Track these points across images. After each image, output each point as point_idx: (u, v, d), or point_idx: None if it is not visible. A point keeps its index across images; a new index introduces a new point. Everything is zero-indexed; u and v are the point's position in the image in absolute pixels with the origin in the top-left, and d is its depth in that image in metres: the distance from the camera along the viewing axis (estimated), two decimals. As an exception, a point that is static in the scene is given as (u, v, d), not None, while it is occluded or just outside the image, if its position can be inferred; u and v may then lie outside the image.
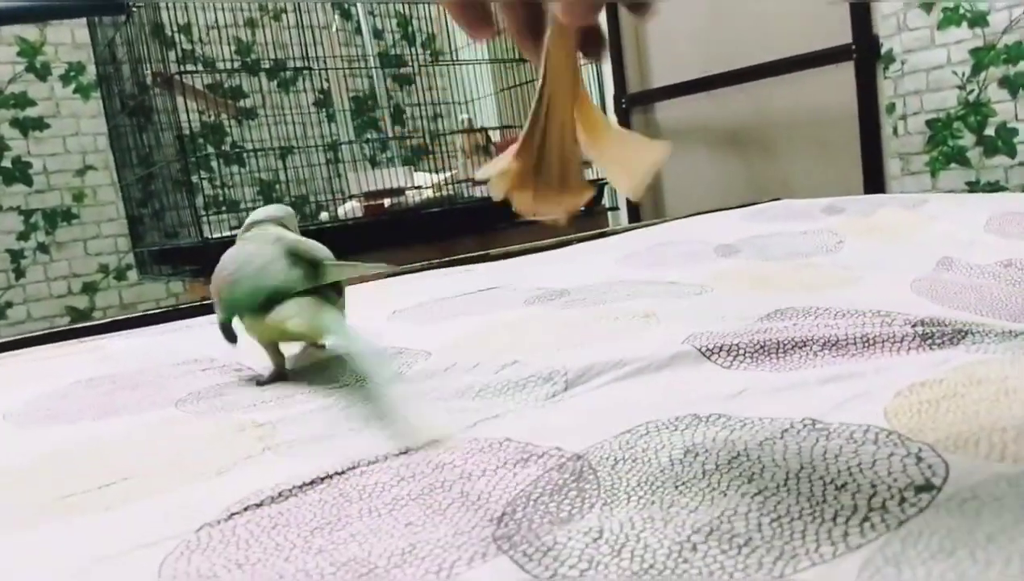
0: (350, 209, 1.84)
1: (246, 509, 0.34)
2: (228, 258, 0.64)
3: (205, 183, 2.31)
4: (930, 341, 0.46)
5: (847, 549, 0.25)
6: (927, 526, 0.26)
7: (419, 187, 1.87)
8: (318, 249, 0.62)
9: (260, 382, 0.59)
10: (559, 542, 0.28)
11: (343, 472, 0.37)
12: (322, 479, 0.37)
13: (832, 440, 0.34)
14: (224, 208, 2.35)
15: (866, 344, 0.47)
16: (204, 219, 1.78)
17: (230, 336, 0.61)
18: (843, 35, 1.88)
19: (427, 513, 0.32)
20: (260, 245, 0.63)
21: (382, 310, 0.81)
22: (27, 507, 0.39)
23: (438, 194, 1.86)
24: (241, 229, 0.69)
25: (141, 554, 0.31)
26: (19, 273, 2.62)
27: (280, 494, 0.35)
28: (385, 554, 0.29)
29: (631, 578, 0.25)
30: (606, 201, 2.14)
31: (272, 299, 0.57)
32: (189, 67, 2.46)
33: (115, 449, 0.46)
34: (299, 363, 0.63)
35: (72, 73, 2.68)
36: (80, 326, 0.91)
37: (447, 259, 1.14)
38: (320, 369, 0.60)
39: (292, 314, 0.56)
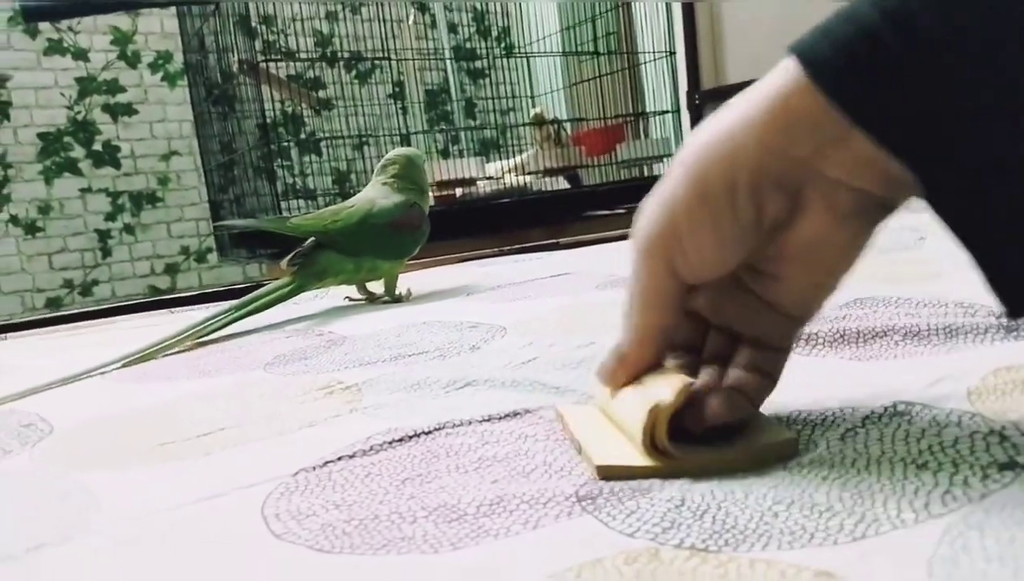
0: (422, 198, 1.87)
1: (339, 459, 0.36)
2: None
3: (283, 171, 2.38)
4: (1015, 332, 0.46)
5: (929, 516, 0.26)
6: (1011, 499, 0.26)
7: (490, 177, 1.89)
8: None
9: (347, 298, 0.86)
10: (641, 507, 0.29)
11: (430, 432, 0.39)
12: (410, 437, 0.38)
13: (914, 424, 0.34)
14: (301, 196, 2.41)
15: (949, 334, 0.47)
16: (283, 206, 1.84)
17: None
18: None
19: (512, 474, 0.33)
20: None
21: (456, 292, 0.82)
22: (126, 451, 0.41)
23: (509, 185, 1.88)
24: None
25: (242, 494, 0.34)
26: (106, 252, 2.75)
27: (371, 448, 0.37)
28: (474, 503, 0.30)
29: (713, 535, 0.26)
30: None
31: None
32: (271, 59, 2.53)
33: (209, 405, 0.49)
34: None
35: (160, 61, 2.79)
36: (168, 298, 0.96)
37: (518, 246, 1.16)
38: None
39: None
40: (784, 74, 0.30)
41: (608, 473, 0.32)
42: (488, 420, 0.40)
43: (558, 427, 0.39)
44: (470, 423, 0.40)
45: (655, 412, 0.32)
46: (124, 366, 0.63)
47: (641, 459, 0.32)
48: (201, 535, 0.30)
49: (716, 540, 0.26)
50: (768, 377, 0.34)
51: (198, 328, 0.69)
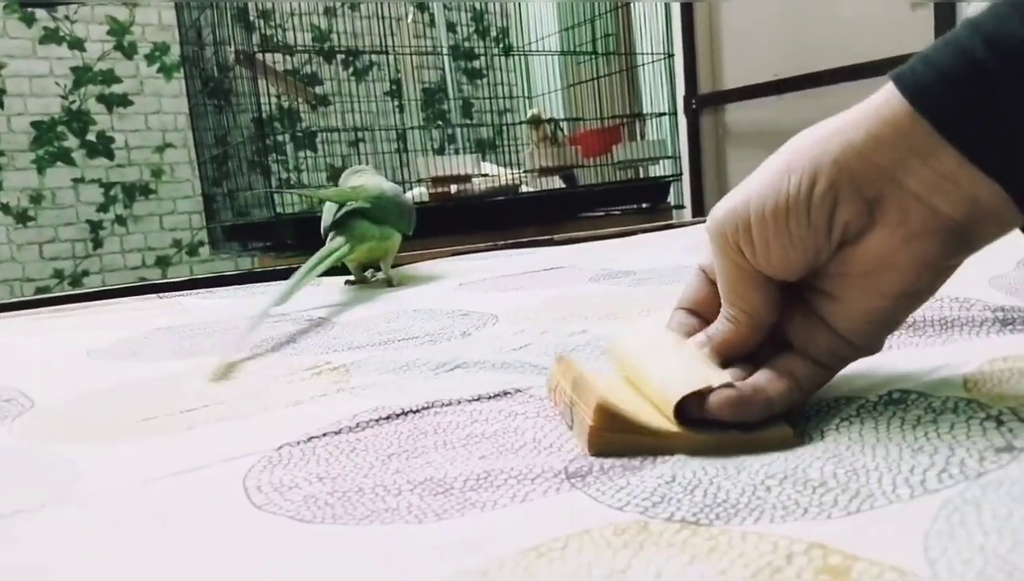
0: (417, 194, 1.87)
1: (324, 435, 0.36)
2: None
3: (278, 166, 2.37)
4: (1011, 326, 0.45)
5: (925, 492, 0.25)
6: (1008, 478, 0.25)
7: (485, 175, 1.88)
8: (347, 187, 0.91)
9: (347, 281, 0.88)
10: (631, 483, 0.29)
11: (418, 411, 0.38)
12: (398, 415, 0.38)
13: (910, 411, 0.34)
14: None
15: (944, 326, 0.46)
16: (277, 200, 1.83)
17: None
18: (925, 40, 1.84)
19: (500, 451, 0.33)
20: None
21: (448, 282, 0.82)
22: (107, 426, 0.41)
23: (504, 183, 1.88)
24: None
25: (225, 466, 0.33)
26: (97, 243, 2.73)
27: (357, 424, 0.37)
28: (460, 478, 0.30)
29: (704, 509, 0.26)
30: (672, 199, 2.13)
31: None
32: (268, 52, 2.52)
33: (194, 383, 0.48)
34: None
35: (157, 53, 2.78)
36: (159, 282, 0.95)
37: (512, 241, 1.15)
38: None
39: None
40: (882, 92, 0.31)
41: (605, 411, 0.31)
42: (477, 399, 0.40)
43: (549, 404, 0.38)
44: (459, 403, 0.39)
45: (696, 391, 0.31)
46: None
47: (640, 417, 0.32)
48: (180, 505, 0.30)
49: (707, 514, 0.25)
50: (798, 387, 0.33)
51: (280, 296, 0.68)
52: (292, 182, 2.56)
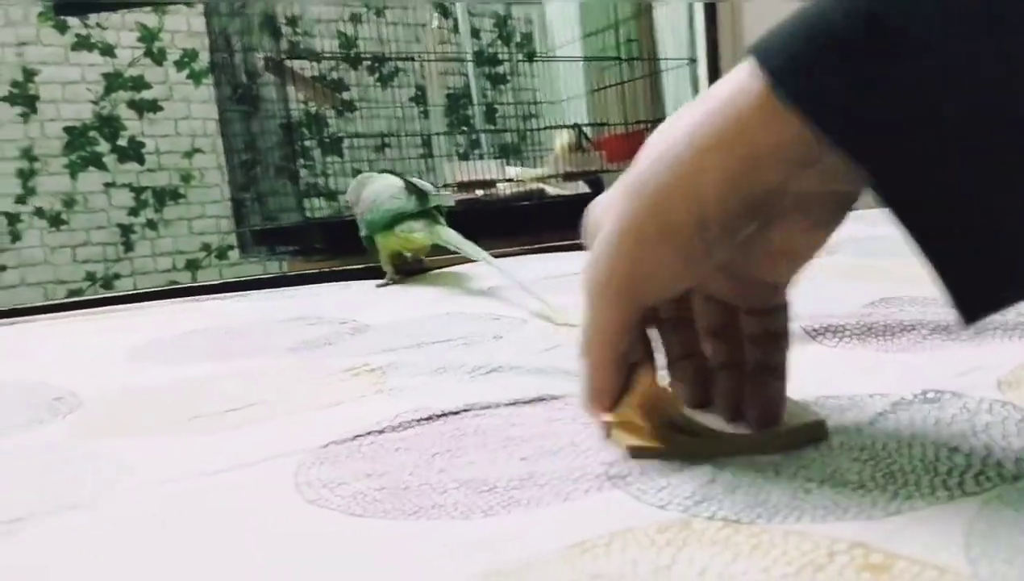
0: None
1: (368, 433, 0.36)
2: (366, 192, 0.94)
3: (305, 171, 2.39)
4: (1046, 331, 0.45)
5: (963, 494, 0.26)
6: (1047, 480, 0.26)
7: (510, 180, 1.89)
8: (425, 184, 0.91)
9: (379, 284, 0.89)
10: (673, 483, 0.29)
11: (457, 412, 0.39)
12: (438, 416, 0.39)
13: (945, 410, 0.34)
14: (323, 195, 2.43)
15: (977, 329, 0.46)
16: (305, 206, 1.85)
17: (371, 247, 0.91)
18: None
19: (539, 452, 0.33)
20: (386, 182, 0.92)
21: (477, 286, 0.83)
22: (156, 422, 0.42)
23: (530, 188, 1.88)
24: (356, 182, 0.99)
25: (273, 463, 0.34)
26: (128, 246, 2.77)
27: (399, 424, 0.37)
28: (504, 477, 0.31)
29: (745, 508, 0.26)
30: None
31: (397, 219, 0.87)
32: (296, 59, 2.54)
33: (235, 383, 0.49)
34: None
35: (186, 59, 2.82)
36: (192, 286, 0.96)
37: (539, 246, 1.16)
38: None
39: (416, 228, 0.86)
40: (747, 91, 0.27)
41: (639, 453, 0.32)
42: (514, 404, 0.41)
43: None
44: (496, 406, 0.40)
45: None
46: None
47: (677, 420, 0.32)
48: (233, 499, 0.31)
49: (748, 513, 0.26)
50: (781, 348, 0.33)
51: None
52: (320, 187, 2.59)
